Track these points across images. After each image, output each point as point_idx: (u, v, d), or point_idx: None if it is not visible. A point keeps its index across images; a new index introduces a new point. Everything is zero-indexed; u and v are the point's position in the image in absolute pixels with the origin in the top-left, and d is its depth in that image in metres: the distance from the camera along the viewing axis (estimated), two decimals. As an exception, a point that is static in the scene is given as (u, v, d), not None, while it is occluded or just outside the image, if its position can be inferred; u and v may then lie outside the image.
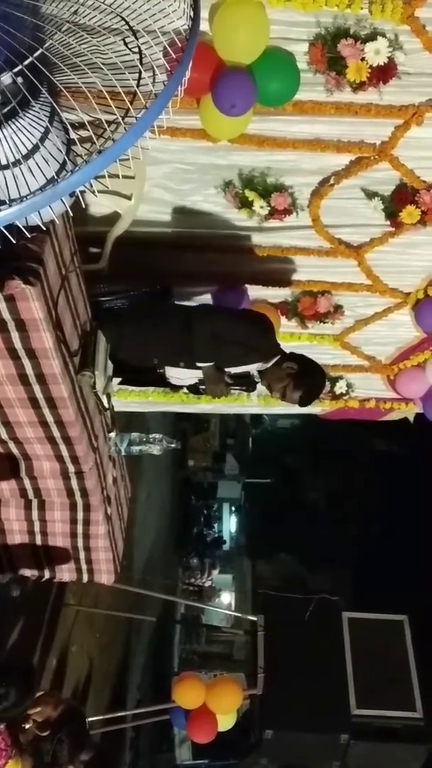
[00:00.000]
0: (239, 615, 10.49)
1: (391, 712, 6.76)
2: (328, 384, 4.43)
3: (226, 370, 3.17)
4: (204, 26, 2.77)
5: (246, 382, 3.30)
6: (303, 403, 3.19)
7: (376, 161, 3.32)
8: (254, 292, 3.96)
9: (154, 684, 13.10)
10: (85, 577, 3.50)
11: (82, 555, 3.37)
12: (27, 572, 3.45)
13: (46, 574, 3.46)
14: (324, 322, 4.10)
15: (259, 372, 3.21)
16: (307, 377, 3.17)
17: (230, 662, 14.41)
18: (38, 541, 3.29)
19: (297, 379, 3.11)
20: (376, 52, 2.80)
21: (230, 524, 24.06)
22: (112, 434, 3.24)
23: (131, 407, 4.70)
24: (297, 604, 6.97)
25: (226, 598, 19.88)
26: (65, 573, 3.46)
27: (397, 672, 6.89)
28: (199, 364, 3.11)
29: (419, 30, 2.80)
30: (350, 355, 4.38)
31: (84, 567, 3.44)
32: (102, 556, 3.39)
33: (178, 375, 3.26)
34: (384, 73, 2.86)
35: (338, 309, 4.05)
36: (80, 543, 3.31)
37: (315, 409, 4.68)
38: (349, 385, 4.51)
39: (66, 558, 3.37)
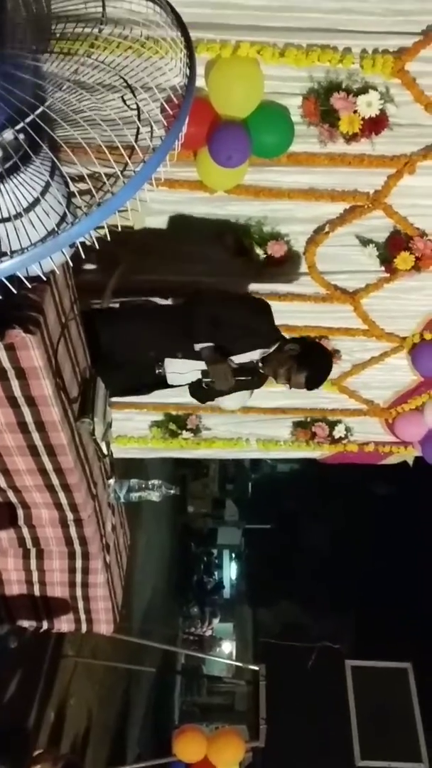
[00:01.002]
0: (240, 665, 10.27)
1: (397, 763, 6.61)
2: (326, 428, 4.44)
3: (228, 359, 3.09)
4: (200, 82, 2.86)
5: (250, 372, 3.19)
6: (310, 384, 3.10)
7: (369, 209, 3.39)
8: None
9: (155, 737, 12.77)
10: (84, 627, 3.44)
11: (80, 604, 3.32)
12: (25, 623, 3.40)
13: (45, 625, 3.40)
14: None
15: (262, 360, 3.15)
16: (311, 357, 3.11)
17: (232, 714, 14.06)
18: (36, 591, 3.25)
19: (300, 359, 3.04)
20: (368, 105, 2.89)
21: (230, 571, 23.73)
22: (111, 481, 3.22)
23: (130, 453, 4.69)
24: (299, 652, 6.86)
25: (227, 647, 19.49)
26: (64, 623, 3.41)
27: (402, 721, 6.76)
28: (198, 347, 3.03)
29: (409, 83, 2.89)
30: (348, 399, 4.39)
31: (83, 617, 3.39)
32: (101, 605, 3.34)
33: (177, 370, 3.18)
34: (376, 125, 2.94)
35: (335, 353, 4.08)
36: (79, 592, 3.26)
37: (314, 453, 4.67)
38: (347, 429, 4.51)
39: (65, 608, 3.32)
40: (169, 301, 3.34)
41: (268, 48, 2.77)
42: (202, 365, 3.09)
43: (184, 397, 4.30)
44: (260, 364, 3.17)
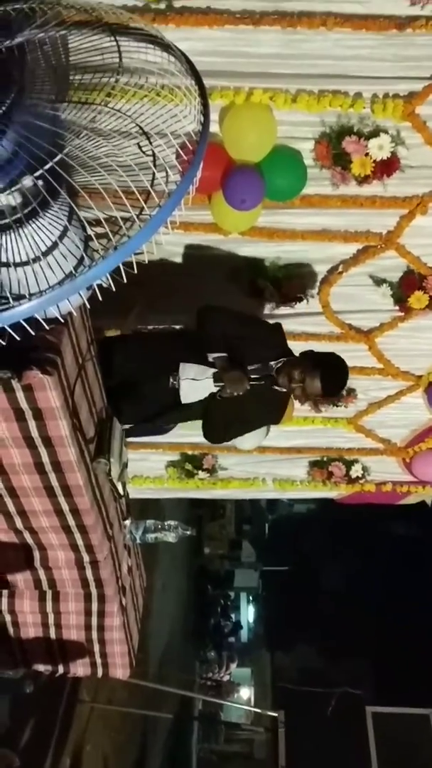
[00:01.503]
0: (259, 711, 10.07)
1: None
2: (343, 467, 4.41)
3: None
4: (215, 128, 2.92)
5: (264, 378, 3.09)
6: (327, 388, 2.99)
7: (382, 250, 3.42)
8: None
9: (172, 786, 12.47)
10: (100, 672, 3.40)
11: (96, 648, 3.28)
12: (41, 667, 3.36)
13: (60, 669, 3.36)
14: (337, 406, 4.12)
15: (276, 371, 3.07)
16: (325, 362, 3.04)
17: (250, 762, 13.73)
18: (52, 634, 3.22)
19: (313, 369, 2.96)
20: (380, 148, 2.93)
21: (248, 614, 23.35)
22: (127, 522, 3.21)
23: (146, 494, 4.68)
24: (319, 698, 6.73)
25: (246, 692, 19.07)
26: (79, 667, 3.36)
27: (425, 768, 6.56)
28: (211, 357, 3.00)
29: (420, 126, 2.94)
30: (365, 438, 4.37)
31: (99, 661, 3.35)
32: (117, 649, 3.30)
33: (192, 376, 3.08)
34: (387, 167, 2.98)
35: (351, 392, 4.08)
36: (95, 635, 3.23)
37: (331, 493, 4.64)
38: (365, 469, 4.48)
39: (80, 651, 3.29)
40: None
41: (280, 94, 2.84)
42: (212, 373, 3.04)
43: (201, 437, 4.31)
44: (273, 370, 3.09)
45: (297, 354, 3.12)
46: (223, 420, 3.16)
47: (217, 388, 3.03)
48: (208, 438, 3.30)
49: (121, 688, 7.72)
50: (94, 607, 3.11)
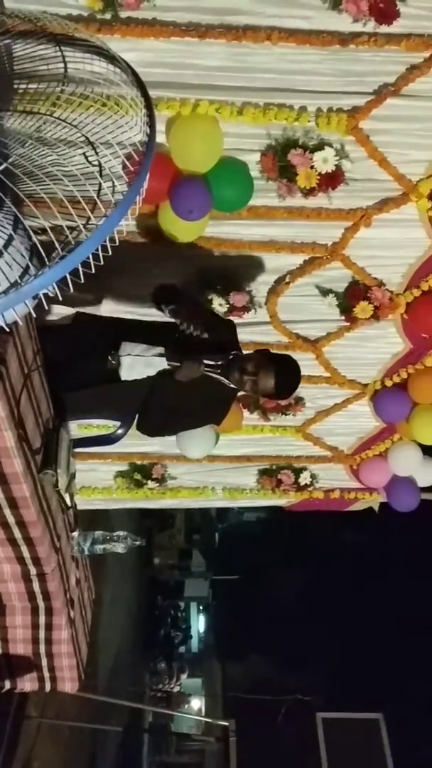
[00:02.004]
0: (210, 721, 10.04)
1: None
2: (292, 475, 4.45)
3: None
4: (161, 138, 2.93)
5: (218, 365, 2.97)
6: (279, 388, 2.91)
7: (328, 261, 3.48)
8: (216, 386, 4.03)
9: (122, 801, 12.31)
10: (48, 686, 3.34)
11: (44, 662, 3.23)
12: (-14, 683, 3.29)
13: (7, 685, 3.30)
14: (285, 414, 4.16)
15: (224, 368, 2.96)
16: (279, 362, 2.96)
17: (202, 773, 13.67)
18: (-1, 648, 3.16)
19: (268, 365, 2.89)
20: (324, 161, 2.99)
21: (198, 624, 23.30)
22: (75, 533, 3.18)
23: (95, 505, 4.64)
24: (269, 706, 6.75)
25: (196, 703, 19.01)
26: (27, 682, 3.31)
27: (374, 773, 6.63)
28: (167, 308, 2.92)
29: (363, 140, 3.01)
30: (313, 446, 4.42)
31: (47, 675, 3.30)
32: (65, 662, 3.25)
33: (136, 363, 2.88)
34: (332, 180, 3.04)
35: (299, 401, 4.13)
36: (42, 649, 3.17)
37: (281, 501, 4.68)
38: (313, 476, 4.53)
39: (28, 666, 3.23)
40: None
41: (226, 106, 2.87)
42: (160, 352, 2.87)
43: (150, 447, 4.31)
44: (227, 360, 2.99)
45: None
46: (164, 409, 3.02)
47: (168, 367, 2.88)
48: (142, 426, 3.15)
49: (70, 702, 7.60)
50: (42, 620, 3.06)
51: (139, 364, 2.88)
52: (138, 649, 17.07)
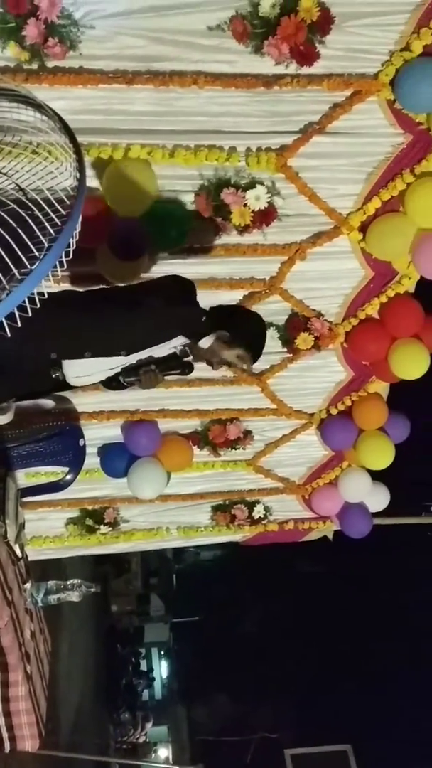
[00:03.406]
0: (178, 769, 9.80)
1: None
2: (245, 509, 4.45)
3: (149, 355, 2.72)
4: (96, 183, 2.96)
5: (178, 365, 2.85)
6: (256, 358, 2.89)
7: (267, 295, 3.54)
8: (165, 424, 4.02)
9: None
10: (7, 747, 3.23)
11: (1, 721, 3.13)
12: None
13: (-37, 749, 3.18)
14: (235, 448, 4.17)
15: (190, 349, 2.82)
16: (246, 333, 2.86)
17: None
18: None
19: (237, 341, 2.77)
20: (257, 199, 3.06)
21: (161, 670, 22.87)
22: (27, 585, 3.11)
23: (47, 554, 4.53)
24: (237, 746, 6.64)
25: (163, 752, 18.56)
26: (-16, 745, 3.19)
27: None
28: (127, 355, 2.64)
29: (293, 177, 3.10)
30: (264, 478, 4.43)
31: (5, 735, 3.18)
32: (24, 720, 3.15)
33: (83, 372, 2.67)
34: (265, 217, 3.12)
35: (248, 434, 4.14)
36: (-1, 708, 3.08)
37: (236, 536, 4.66)
38: (266, 509, 4.52)
39: (-16, 727, 3.12)
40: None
41: (158, 150, 2.92)
42: (113, 363, 2.69)
43: (101, 491, 4.26)
44: (189, 352, 2.84)
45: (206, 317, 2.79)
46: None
47: (127, 379, 2.78)
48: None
49: (31, 761, 7.29)
50: (-3, 678, 2.97)
51: (86, 380, 2.72)
52: (100, 700, 16.58)
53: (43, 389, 2.81)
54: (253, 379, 3.88)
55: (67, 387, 2.72)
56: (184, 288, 2.78)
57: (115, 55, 2.66)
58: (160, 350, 2.74)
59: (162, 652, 22.90)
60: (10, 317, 1.26)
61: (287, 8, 2.56)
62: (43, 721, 3.34)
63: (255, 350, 2.89)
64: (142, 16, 2.58)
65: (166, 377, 2.84)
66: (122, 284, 2.95)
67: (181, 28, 2.63)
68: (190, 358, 2.86)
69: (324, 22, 2.61)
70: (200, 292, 3.47)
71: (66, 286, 3.18)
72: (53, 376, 2.61)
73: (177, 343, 2.75)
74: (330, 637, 15.64)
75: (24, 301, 1.27)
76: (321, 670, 15.63)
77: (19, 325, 1.29)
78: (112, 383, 2.84)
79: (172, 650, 22.31)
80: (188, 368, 2.89)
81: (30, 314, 2.08)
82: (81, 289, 2.95)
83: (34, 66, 2.61)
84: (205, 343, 2.75)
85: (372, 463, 4.14)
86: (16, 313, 1.27)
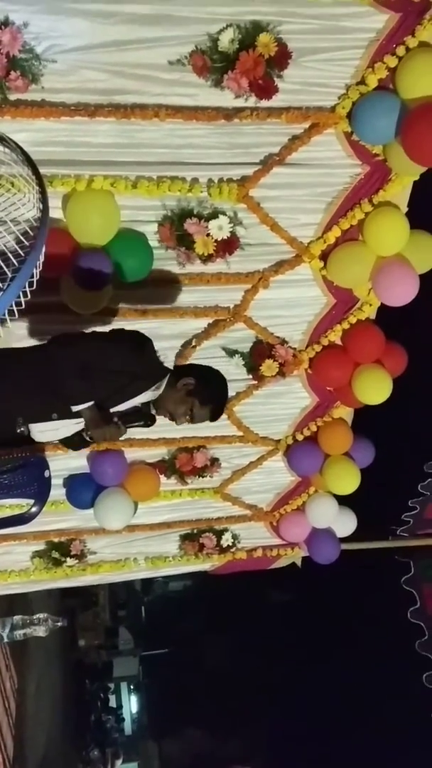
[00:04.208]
0: (150, 807, 9.59)
1: None
2: (214, 537, 4.43)
3: (112, 410, 2.72)
4: (59, 214, 2.97)
5: (140, 417, 2.85)
6: (215, 416, 2.89)
7: (231, 323, 3.58)
8: (131, 454, 4.00)
9: None
10: (-28, 790, 3.13)
11: (-34, 763, 3.04)
12: None
13: None
14: (203, 476, 4.17)
15: (154, 402, 2.84)
16: (210, 387, 2.86)
17: None
18: None
19: (199, 394, 2.79)
20: (219, 228, 3.11)
21: (130, 705, 22.43)
22: (-7, 620, 3.05)
23: (12, 589, 4.45)
24: (210, 782, 6.50)
25: (135, 790, 18.16)
26: None
27: None
28: (75, 409, 2.60)
29: (254, 207, 3.15)
30: (232, 506, 4.43)
31: (-31, 778, 3.09)
32: (-11, 761, 3.07)
33: (50, 428, 2.72)
34: (228, 246, 3.16)
35: (215, 462, 4.15)
36: (-37, 750, 2.99)
37: (204, 565, 4.63)
38: (234, 537, 4.52)
39: None
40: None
41: (120, 181, 2.95)
42: (79, 419, 2.68)
43: (67, 522, 4.21)
44: (152, 406, 2.87)
45: (171, 367, 2.94)
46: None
47: (88, 433, 2.75)
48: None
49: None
50: (-39, 718, 2.89)
51: (53, 428, 2.74)
52: (68, 738, 16.20)
53: (7, 443, 2.79)
54: (219, 407, 3.89)
55: (32, 441, 2.73)
56: (144, 342, 2.79)
57: (77, 88, 2.69)
58: (124, 405, 2.76)
59: (131, 687, 22.48)
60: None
61: (245, 43, 2.61)
62: (9, 763, 3.25)
63: (219, 402, 2.93)
64: (104, 50, 2.61)
65: (128, 429, 2.82)
66: (86, 336, 2.94)
67: (142, 62, 2.67)
68: (153, 411, 2.88)
69: (282, 57, 2.67)
70: (165, 321, 3.53)
71: (33, 341, 3.24)
72: (18, 431, 2.64)
73: (144, 399, 2.78)
74: (301, 667, 15.53)
75: (-12, 332, 1.27)
76: (292, 699, 15.48)
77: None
78: (75, 439, 2.85)
79: (142, 684, 21.92)
80: (150, 420, 2.89)
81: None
82: (41, 343, 2.93)
83: (-4, 99, 2.63)
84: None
85: (338, 488, 4.17)
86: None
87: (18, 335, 3.40)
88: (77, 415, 2.64)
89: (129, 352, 2.70)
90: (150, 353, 2.79)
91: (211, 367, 3.00)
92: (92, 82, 2.69)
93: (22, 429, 2.66)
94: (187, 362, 3.62)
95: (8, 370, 2.57)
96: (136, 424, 2.85)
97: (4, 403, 2.57)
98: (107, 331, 3.07)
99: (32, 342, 3.28)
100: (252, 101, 2.80)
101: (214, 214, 3.12)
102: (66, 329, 3.07)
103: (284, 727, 14.82)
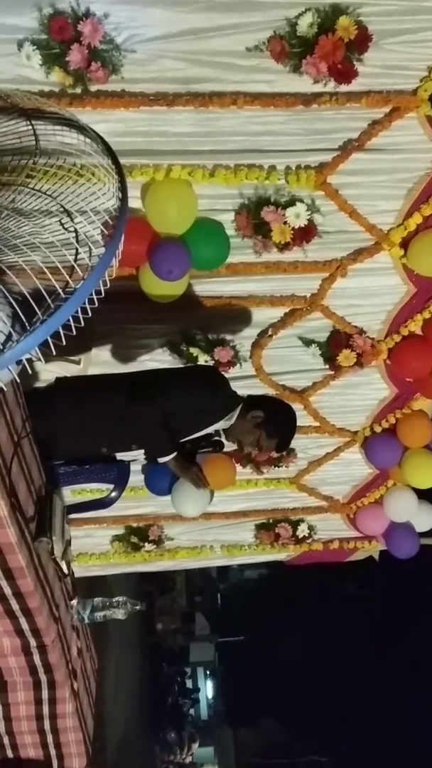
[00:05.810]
0: (225, 792, 9.68)
1: None
2: (289, 528, 4.42)
3: (185, 439, 2.96)
4: (138, 204, 3.01)
5: (211, 443, 3.10)
6: (281, 448, 3.05)
7: (308, 312, 3.54)
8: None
9: None
10: (55, 764, 3.22)
11: (50, 739, 3.12)
12: (-11, 765, 3.18)
13: (11, 766, 3.19)
14: (278, 467, 4.15)
15: (224, 430, 3.02)
16: (278, 419, 2.98)
17: None
18: (2, 728, 3.06)
19: (267, 426, 2.91)
20: (297, 216, 3.07)
21: (207, 690, 22.68)
22: (74, 602, 3.12)
23: (92, 571, 4.57)
24: (284, 770, 6.51)
25: (210, 773, 18.37)
26: (33, 762, 3.20)
27: None
28: (161, 461, 2.93)
29: (333, 194, 3.10)
30: (308, 497, 4.40)
31: (53, 752, 3.18)
32: (71, 737, 3.15)
33: (133, 455, 3.04)
34: (306, 234, 3.13)
35: (291, 452, 4.12)
36: (47, 725, 3.08)
37: (280, 555, 4.63)
38: (310, 528, 4.50)
39: (33, 744, 3.13)
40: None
41: (198, 170, 2.96)
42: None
43: (145, 508, 4.28)
44: (222, 434, 3.05)
45: (244, 398, 3.03)
46: None
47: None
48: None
49: (77, 781, 7.30)
50: (45, 694, 2.98)
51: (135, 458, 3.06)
52: (146, 719, 16.56)
53: (91, 460, 3.10)
54: (295, 397, 3.87)
55: (113, 460, 3.03)
56: (219, 379, 2.99)
57: (156, 77, 2.71)
58: (199, 434, 3.00)
59: (207, 672, 22.74)
60: (56, 336, 1.29)
61: (325, 27, 2.57)
62: (90, 739, 3.34)
63: (286, 436, 3.03)
64: (182, 39, 2.62)
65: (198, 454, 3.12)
66: (164, 385, 2.99)
67: (220, 50, 2.67)
68: (223, 438, 3.08)
69: (362, 40, 2.62)
70: (241, 310, 3.53)
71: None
72: (102, 450, 2.94)
73: (216, 428, 2.98)
74: (377, 660, 15.34)
75: (69, 320, 1.30)
76: (367, 692, 15.32)
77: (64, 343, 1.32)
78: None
79: (218, 670, 22.13)
80: (219, 446, 3.13)
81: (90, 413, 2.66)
82: (125, 374, 3.25)
83: (78, 90, 2.68)
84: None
85: (418, 481, 4.08)
86: (61, 332, 1.29)
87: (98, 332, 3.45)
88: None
89: (205, 392, 2.89)
90: (225, 388, 2.96)
91: (282, 400, 3.18)
92: (171, 71, 2.70)
93: (104, 449, 2.96)
94: (261, 393, 3.63)
95: (94, 405, 2.84)
96: (206, 450, 3.12)
97: (90, 437, 2.86)
98: (181, 369, 3.40)
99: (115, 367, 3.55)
100: (331, 86, 2.76)
101: (292, 202, 3.09)
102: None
103: (361, 723, 14.70)
